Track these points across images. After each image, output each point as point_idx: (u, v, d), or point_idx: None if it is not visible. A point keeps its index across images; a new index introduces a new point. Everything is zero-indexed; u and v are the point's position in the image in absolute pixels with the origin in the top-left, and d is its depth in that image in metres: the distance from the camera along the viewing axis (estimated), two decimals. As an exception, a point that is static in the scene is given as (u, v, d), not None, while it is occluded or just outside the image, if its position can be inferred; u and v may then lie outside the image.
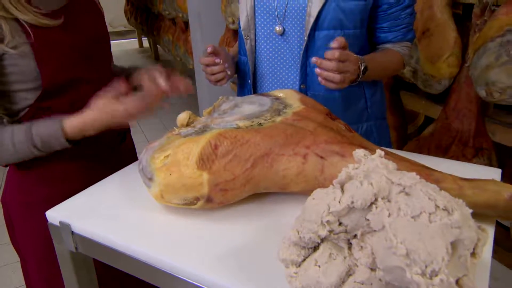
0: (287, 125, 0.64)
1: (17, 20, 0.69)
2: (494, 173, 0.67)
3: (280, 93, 0.76)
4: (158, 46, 4.28)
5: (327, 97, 0.92)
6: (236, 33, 2.65)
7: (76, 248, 0.63)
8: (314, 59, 0.77)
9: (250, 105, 0.71)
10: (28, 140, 0.71)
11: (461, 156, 1.14)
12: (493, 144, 1.13)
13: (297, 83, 0.94)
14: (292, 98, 0.72)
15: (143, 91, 0.79)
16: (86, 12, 0.82)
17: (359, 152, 0.50)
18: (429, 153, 1.20)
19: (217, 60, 0.91)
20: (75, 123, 0.73)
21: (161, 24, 4.01)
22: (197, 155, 0.59)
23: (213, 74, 0.93)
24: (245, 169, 0.60)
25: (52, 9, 0.74)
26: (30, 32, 0.69)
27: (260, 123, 0.64)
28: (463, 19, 1.23)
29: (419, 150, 1.26)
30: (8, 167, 0.84)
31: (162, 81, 0.77)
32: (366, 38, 0.94)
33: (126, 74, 0.90)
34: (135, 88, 0.88)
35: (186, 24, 3.46)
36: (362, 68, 0.81)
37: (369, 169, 0.46)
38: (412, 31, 0.93)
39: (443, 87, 1.20)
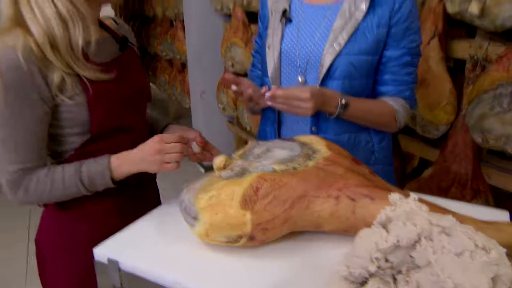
0: (319, 169, 0.70)
1: (77, 74, 0.75)
2: (503, 215, 0.74)
3: (304, 139, 0.83)
4: (151, 85, 4.38)
5: (336, 140, 0.99)
6: (234, 75, 2.77)
7: (121, 285, 0.66)
8: (267, 94, 0.85)
9: (281, 150, 0.77)
10: (77, 177, 0.76)
11: (460, 197, 1.22)
12: (489, 186, 1.22)
13: (309, 125, 1.01)
14: (318, 143, 0.79)
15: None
16: (132, 64, 0.89)
17: (395, 196, 0.57)
18: (431, 194, 1.28)
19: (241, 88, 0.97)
20: (122, 161, 0.79)
21: (158, 64, 4.13)
22: (240, 196, 0.65)
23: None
24: (284, 209, 0.66)
25: (105, 61, 0.81)
26: (88, 86, 0.76)
27: (295, 167, 0.71)
28: (454, 71, 1.36)
29: (421, 191, 1.33)
30: (44, 207, 0.87)
31: (196, 147, 0.85)
32: (371, 89, 1.02)
33: (160, 125, 0.98)
34: None
35: (183, 65, 3.59)
36: (342, 102, 0.90)
37: (408, 211, 0.53)
38: (411, 91, 0.99)
39: (441, 132, 1.31)
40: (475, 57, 1.20)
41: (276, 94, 0.85)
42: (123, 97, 0.83)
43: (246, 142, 2.95)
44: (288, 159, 0.73)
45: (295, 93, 0.85)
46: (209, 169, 0.78)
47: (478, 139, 1.15)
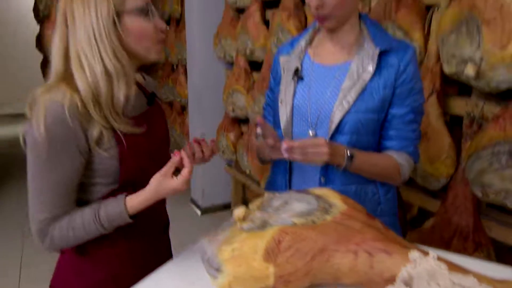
0: (337, 223, 0.73)
1: (112, 128, 0.80)
2: (508, 272, 0.77)
3: (318, 192, 0.87)
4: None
5: (344, 191, 1.03)
6: (234, 120, 2.85)
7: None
8: (284, 146, 0.89)
9: (299, 203, 0.81)
10: (97, 223, 0.78)
11: (462, 250, 1.24)
12: (490, 239, 1.25)
13: (318, 175, 1.05)
14: (333, 197, 0.83)
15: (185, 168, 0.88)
16: (158, 118, 0.95)
17: (414, 254, 0.60)
18: (433, 245, 1.31)
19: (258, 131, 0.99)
20: (137, 201, 0.81)
21: (157, 105, 4.21)
22: (263, 249, 0.67)
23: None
24: (306, 262, 0.68)
25: (136, 115, 0.86)
26: (123, 140, 0.80)
27: (314, 221, 0.74)
28: (452, 125, 1.43)
29: (423, 242, 1.36)
30: (60, 253, 0.88)
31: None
32: (377, 144, 1.08)
33: None
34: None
35: (183, 107, 3.67)
36: (348, 154, 0.95)
37: (428, 269, 0.56)
38: (415, 146, 1.04)
39: (441, 184, 1.36)
40: (472, 114, 1.28)
41: (293, 146, 0.90)
42: (151, 150, 0.87)
43: (243, 185, 2.97)
44: (306, 213, 0.76)
45: (312, 141, 0.91)
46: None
47: (478, 193, 1.20)
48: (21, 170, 4.12)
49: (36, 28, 3.91)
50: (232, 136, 2.82)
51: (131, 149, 0.82)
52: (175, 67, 3.72)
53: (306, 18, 2.05)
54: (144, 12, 0.83)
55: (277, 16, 2.11)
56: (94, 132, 0.78)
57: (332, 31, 1.02)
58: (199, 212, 3.15)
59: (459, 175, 1.32)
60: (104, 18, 0.79)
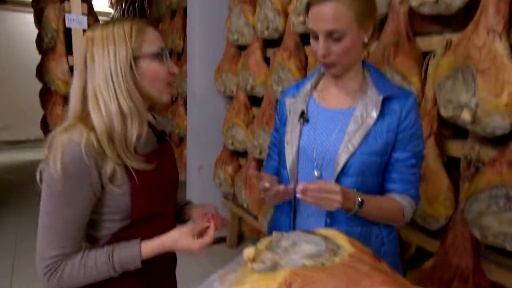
0: (346, 266, 0.75)
1: (125, 165, 0.82)
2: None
3: (325, 232, 0.88)
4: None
5: (348, 232, 1.05)
6: (233, 153, 2.88)
7: None
8: (299, 187, 0.92)
9: (307, 244, 0.82)
10: (109, 265, 0.78)
11: (463, 291, 1.25)
12: (490, 282, 1.27)
13: (323, 217, 1.07)
14: (340, 239, 0.85)
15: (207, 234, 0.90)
16: (168, 156, 0.97)
17: (425, 299, 0.61)
18: (433, 286, 1.31)
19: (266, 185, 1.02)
20: (151, 249, 0.82)
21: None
22: (275, 291, 0.68)
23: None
24: (316, 306, 0.69)
25: (146, 153, 0.88)
26: (135, 176, 0.82)
27: (323, 263, 0.75)
28: (449, 166, 1.47)
29: (422, 283, 1.37)
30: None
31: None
32: (381, 186, 1.11)
33: (180, 203, 1.03)
34: (185, 221, 1.02)
35: (181, 139, 3.70)
36: (359, 200, 0.97)
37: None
38: (416, 189, 1.08)
39: (440, 225, 1.38)
40: (469, 157, 1.32)
41: (308, 188, 0.92)
42: (161, 186, 0.89)
43: (240, 219, 2.96)
44: (315, 254, 0.78)
45: (326, 186, 0.93)
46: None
47: (477, 235, 1.22)
48: (17, 197, 4.07)
49: (37, 57, 3.99)
50: (230, 169, 2.84)
51: (142, 186, 0.85)
52: (174, 99, 3.79)
53: (306, 58, 2.13)
54: (159, 56, 0.88)
55: (278, 55, 2.19)
56: (108, 169, 0.81)
57: (337, 77, 1.07)
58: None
59: (457, 216, 1.35)
60: (122, 61, 0.83)
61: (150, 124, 1.00)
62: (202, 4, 2.86)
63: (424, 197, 1.39)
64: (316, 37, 1.00)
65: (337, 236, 0.86)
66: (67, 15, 2.76)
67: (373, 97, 1.04)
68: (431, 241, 1.48)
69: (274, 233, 0.90)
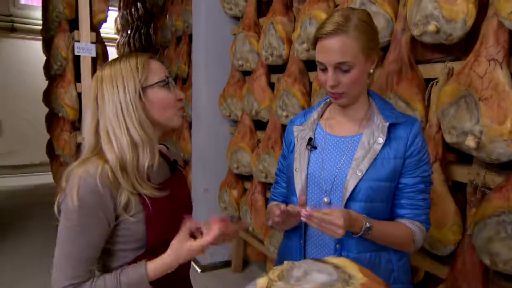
0: (358, 296, 0.76)
1: (138, 193, 0.85)
2: None
3: (335, 260, 0.89)
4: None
5: (358, 258, 1.06)
6: (238, 177, 2.89)
7: None
8: (304, 212, 0.94)
9: (319, 274, 0.83)
10: (118, 285, 0.80)
11: (474, 319, 1.24)
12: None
13: (333, 243, 1.08)
14: (351, 268, 0.85)
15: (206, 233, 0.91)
16: (180, 184, 1.00)
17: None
18: (444, 313, 1.30)
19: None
20: (158, 267, 0.83)
21: (159, 159, 4.26)
22: (289, 323, 0.69)
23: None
24: (330, 338, 0.69)
25: (159, 182, 0.91)
26: (149, 203, 0.85)
27: (336, 293, 0.76)
28: (454, 190, 1.48)
29: (433, 309, 1.35)
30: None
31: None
32: (390, 211, 1.12)
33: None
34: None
35: (185, 162, 3.72)
36: (367, 226, 0.99)
37: None
38: (426, 215, 1.09)
39: (449, 250, 1.38)
40: (475, 183, 1.34)
41: (313, 215, 0.94)
42: (174, 213, 0.91)
43: (245, 242, 2.94)
44: (328, 284, 0.78)
45: (331, 219, 0.93)
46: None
47: (487, 261, 1.22)
48: (20, 221, 4.04)
49: (43, 83, 4.07)
50: (235, 192, 2.85)
51: (156, 213, 0.87)
52: (179, 122, 3.83)
53: (310, 84, 2.17)
54: (165, 85, 0.92)
55: (282, 81, 2.23)
56: (122, 198, 0.84)
57: (344, 106, 1.10)
58: (198, 270, 3.08)
59: (466, 242, 1.35)
60: (131, 94, 0.88)
61: (162, 154, 1.02)
62: (207, 30, 2.93)
63: (431, 222, 1.39)
64: (324, 69, 1.04)
65: (348, 265, 0.86)
66: (76, 44, 2.84)
67: (379, 123, 1.07)
68: (440, 267, 1.47)
69: (285, 262, 0.90)
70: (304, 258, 1.12)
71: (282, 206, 1.00)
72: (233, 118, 2.89)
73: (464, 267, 1.33)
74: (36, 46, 6.10)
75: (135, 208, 0.85)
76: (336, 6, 1.94)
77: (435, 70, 1.50)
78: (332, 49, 1.00)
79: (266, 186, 2.60)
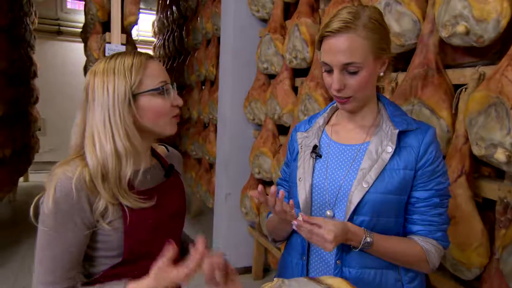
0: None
1: (119, 202, 0.81)
2: None
3: (330, 281, 0.82)
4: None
5: (360, 276, 0.96)
6: (260, 182, 2.83)
7: None
8: (294, 222, 0.88)
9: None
10: None
11: None
12: None
13: (333, 258, 0.99)
14: (345, 290, 0.77)
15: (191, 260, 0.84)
16: (174, 190, 0.95)
17: None
18: None
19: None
20: None
21: (186, 161, 4.30)
22: None
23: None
24: None
25: (150, 187, 0.87)
26: (127, 214, 0.80)
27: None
28: (484, 208, 1.34)
29: None
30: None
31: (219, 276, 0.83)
32: (401, 227, 1.02)
33: (187, 244, 0.99)
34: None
35: (211, 165, 3.72)
36: (367, 240, 0.91)
37: None
38: (442, 232, 0.98)
39: (474, 275, 1.24)
40: (506, 201, 1.20)
41: (302, 226, 0.88)
42: (158, 223, 0.87)
43: (266, 249, 2.87)
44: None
45: (320, 232, 0.86)
46: None
47: (515, 290, 1.09)
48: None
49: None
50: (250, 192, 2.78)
51: (137, 224, 0.83)
52: (206, 125, 3.84)
53: (333, 88, 2.08)
54: (160, 92, 0.86)
55: (305, 85, 2.16)
56: (100, 205, 0.79)
57: (351, 112, 1.02)
58: (218, 274, 3.05)
59: (493, 266, 1.21)
60: (120, 99, 0.83)
61: (158, 157, 0.98)
62: (234, 33, 2.91)
63: (454, 242, 1.26)
64: (329, 71, 0.96)
65: (343, 286, 0.78)
66: (107, 45, 2.91)
67: (389, 131, 0.97)
68: (465, 291, 1.34)
69: (275, 280, 0.84)
70: (307, 274, 1.04)
71: (260, 186, 0.91)
72: (257, 122, 2.84)
73: (490, 294, 1.19)
74: (80, 48, 6.40)
75: (113, 216, 0.81)
76: (361, 6, 1.84)
77: (465, 75, 1.37)
78: (339, 48, 0.92)
79: (287, 193, 2.52)
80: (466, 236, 1.25)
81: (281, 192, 0.91)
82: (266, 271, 3.08)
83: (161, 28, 5.78)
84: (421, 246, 0.97)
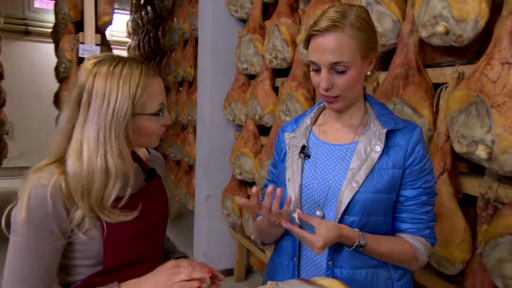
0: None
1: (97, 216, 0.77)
2: None
3: (323, 281, 0.81)
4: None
5: (352, 276, 0.96)
6: (241, 183, 2.81)
7: None
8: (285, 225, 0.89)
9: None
10: None
11: None
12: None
13: (325, 260, 0.99)
14: (340, 292, 0.77)
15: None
16: (156, 195, 0.91)
17: None
18: None
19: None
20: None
21: (166, 164, 4.22)
22: None
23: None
24: None
25: (132, 193, 0.83)
26: (105, 226, 0.77)
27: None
28: (465, 203, 1.37)
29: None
30: None
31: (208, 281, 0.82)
32: (390, 226, 1.03)
33: (172, 255, 0.97)
34: None
35: (190, 167, 3.66)
36: (360, 243, 0.91)
37: None
38: (430, 229, 1.00)
39: (458, 270, 1.27)
40: (486, 196, 1.23)
41: (292, 228, 0.89)
42: (140, 232, 0.83)
43: (248, 250, 2.86)
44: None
45: (310, 238, 0.87)
46: None
47: (499, 284, 1.11)
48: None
49: (56, 85, 4.08)
50: (238, 199, 2.76)
51: (118, 234, 0.79)
52: (185, 126, 3.78)
53: (314, 88, 2.09)
54: (158, 113, 0.83)
55: (286, 85, 2.15)
56: (76, 215, 0.75)
57: (339, 111, 1.02)
58: (200, 278, 3.01)
59: (476, 261, 1.24)
60: (120, 117, 0.77)
61: (140, 161, 0.95)
62: (213, 33, 2.88)
63: (438, 238, 1.28)
64: (317, 70, 0.95)
65: (335, 286, 0.78)
66: (80, 46, 2.82)
67: (377, 130, 0.98)
68: (448, 286, 1.36)
69: (268, 283, 0.82)
70: (298, 275, 1.03)
71: (255, 188, 0.90)
72: (237, 122, 2.82)
73: (473, 288, 1.22)
74: (49, 48, 6.18)
75: (89, 225, 0.76)
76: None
77: (445, 74, 1.40)
78: (327, 47, 0.91)
79: (269, 194, 2.51)
80: (449, 232, 1.27)
81: (279, 189, 0.89)
82: (248, 273, 3.06)
83: (135, 29, 5.66)
84: (411, 243, 0.98)
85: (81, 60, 2.93)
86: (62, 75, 3.12)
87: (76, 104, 0.78)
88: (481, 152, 1.15)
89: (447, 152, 1.34)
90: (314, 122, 1.10)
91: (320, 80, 0.94)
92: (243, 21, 2.85)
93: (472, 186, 1.31)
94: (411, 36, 1.47)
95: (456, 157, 1.36)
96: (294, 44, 2.16)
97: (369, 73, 0.98)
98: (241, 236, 2.85)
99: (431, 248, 1.01)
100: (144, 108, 0.81)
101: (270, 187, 0.89)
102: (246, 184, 2.83)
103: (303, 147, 1.05)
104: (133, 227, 0.81)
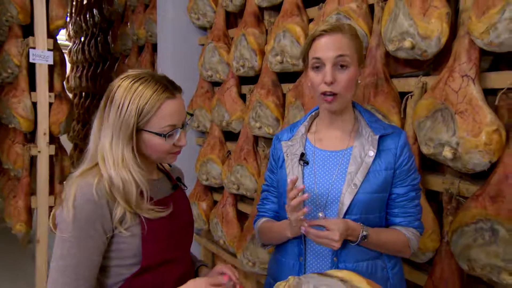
0: (370, 312, 0.75)
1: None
2: None
3: (340, 274, 0.89)
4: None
5: (355, 268, 1.06)
6: (207, 189, 2.82)
7: None
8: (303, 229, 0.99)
9: (328, 290, 0.82)
10: None
11: (455, 324, 1.29)
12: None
13: (330, 256, 1.08)
14: (357, 281, 0.85)
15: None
16: (182, 202, 0.96)
17: None
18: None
19: None
20: None
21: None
22: None
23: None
24: None
25: (160, 198, 0.87)
26: (144, 222, 0.80)
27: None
28: (428, 199, 1.54)
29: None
30: None
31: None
32: (384, 220, 1.15)
33: (194, 265, 1.01)
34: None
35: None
36: (363, 234, 1.02)
37: None
38: (419, 221, 1.14)
39: (427, 258, 1.43)
40: (450, 192, 1.40)
41: (309, 231, 0.97)
42: (173, 232, 0.88)
43: (213, 255, 2.87)
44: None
45: (327, 234, 0.94)
46: None
47: (465, 267, 1.28)
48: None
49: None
50: (204, 205, 2.78)
51: (154, 231, 0.83)
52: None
53: (284, 95, 2.19)
54: (161, 134, 0.87)
55: (256, 92, 2.23)
56: (118, 211, 0.80)
57: (334, 113, 1.11)
58: None
59: (443, 249, 1.41)
60: (127, 129, 0.83)
61: (165, 172, 0.99)
62: (173, 40, 2.87)
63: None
64: (319, 68, 1.05)
65: (354, 278, 0.86)
66: (31, 51, 2.66)
67: (369, 136, 1.09)
68: (418, 273, 1.52)
69: (290, 278, 0.88)
70: (304, 273, 1.10)
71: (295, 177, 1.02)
72: (201, 129, 2.84)
73: (442, 274, 1.38)
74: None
75: (131, 222, 0.81)
76: (311, 20, 1.98)
77: (409, 84, 1.57)
78: (332, 43, 1.03)
79: (237, 198, 2.56)
80: (421, 224, 1.43)
81: (302, 186, 1.01)
82: (214, 278, 3.08)
83: (77, 32, 5.40)
84: (404, 234, 1.11)
85: (31, 65, 2.76)
86: (4, 80, 2.91)
87: (102, 113, 0.83)
88: (447, 153, 1.31)
89: (415, 154, 1.50)
90: (308, 130, 1.19)
91: (325, 74, 1.03)
92: (204, 29, 2.89)
93: (436, 183, 1.49)
94: (378, 49, 1.62)
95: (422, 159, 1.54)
96: (262, 53, 2.25)
97: (359, 81, 1.10)
98: (207, 240, 2.87)
99: (420, 237, 1.15)
100: (148, 125, 0.86)
101: (301, 185, 1.02)
102: (211, 190, 2.85)
103: (302, 154, 1.13)
104: (168, 225, 0.86)
